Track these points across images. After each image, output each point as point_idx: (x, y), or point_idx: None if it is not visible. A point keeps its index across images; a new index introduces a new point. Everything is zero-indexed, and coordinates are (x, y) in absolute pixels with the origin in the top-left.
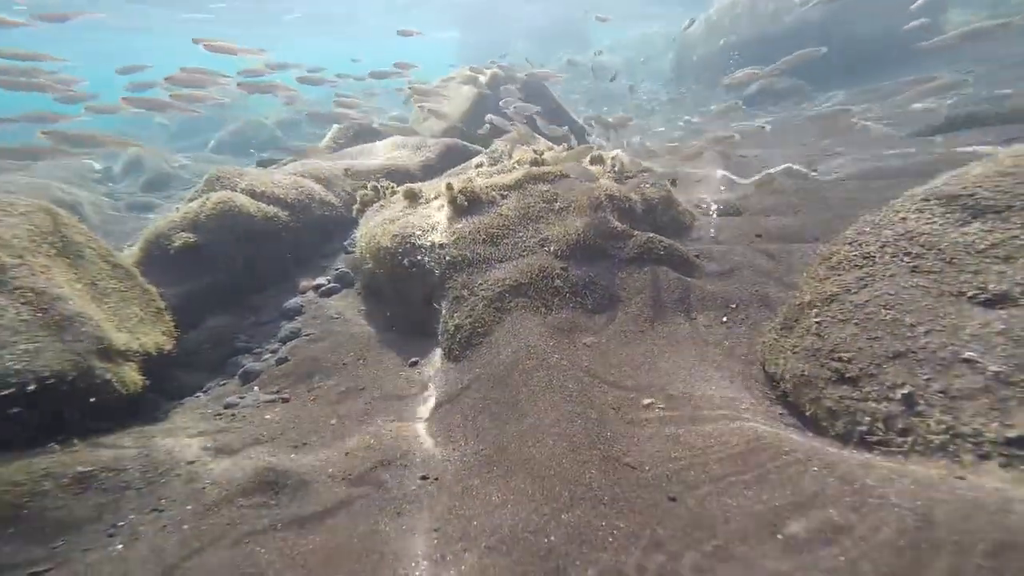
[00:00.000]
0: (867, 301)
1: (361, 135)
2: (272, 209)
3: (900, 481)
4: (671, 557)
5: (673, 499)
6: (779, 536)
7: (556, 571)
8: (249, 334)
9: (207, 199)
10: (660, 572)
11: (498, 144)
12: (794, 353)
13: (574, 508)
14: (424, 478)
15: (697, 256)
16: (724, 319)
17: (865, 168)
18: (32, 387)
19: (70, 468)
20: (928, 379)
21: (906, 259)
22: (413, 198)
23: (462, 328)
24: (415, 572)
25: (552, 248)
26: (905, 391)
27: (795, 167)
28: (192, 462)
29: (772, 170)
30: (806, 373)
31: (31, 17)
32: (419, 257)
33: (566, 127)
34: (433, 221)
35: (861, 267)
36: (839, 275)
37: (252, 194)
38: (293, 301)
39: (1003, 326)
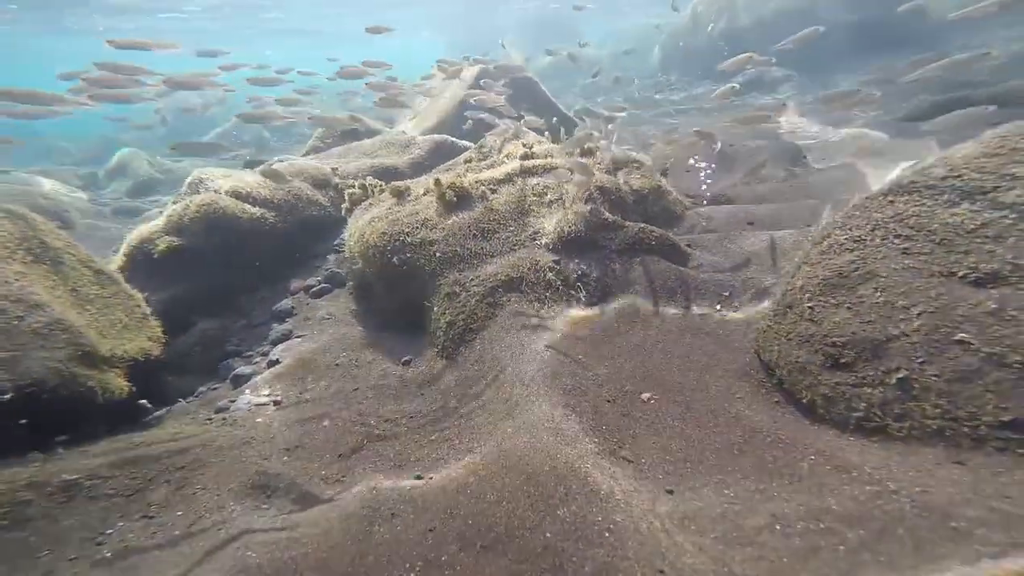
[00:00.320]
0: (859, 284)
1: (349, 134)
2: (258, 210)
3: None
4: None
5: None
6: None
7: None
8: (240, 337)
9: (191, 202)
10: None
11: (488, 138)
12: (788, 339)
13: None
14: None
15: (689, 245)
16: (718, 307)
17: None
18: (8, 396)
19: (55, 477)
20: (923, 362)
21: (896, 241)
22: (400, 195)
23: (455, 325)
24: None
25: (544, 241)
26: (900, 375)
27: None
28: (182, 467)
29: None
30: (801, 360)
31: None
32: (409, 254)
33: (555, 119)
34: (422, 218)
35: (852, 250)
36: (831, 259)
37: (237, 195)
38: (284, 303)
39: (995, 305)
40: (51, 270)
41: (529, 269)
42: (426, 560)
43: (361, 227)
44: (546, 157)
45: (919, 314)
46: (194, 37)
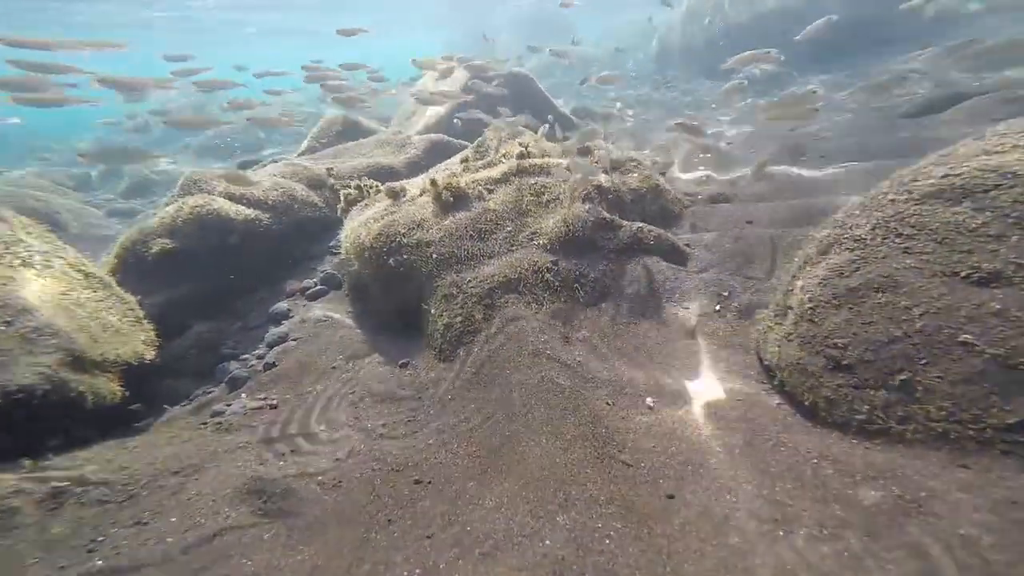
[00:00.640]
0: (860, 285)
1: (345, 134)
2: (252, 212)
3: None
4: None
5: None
6: None
7: None
8: (236, 340)
9: (184, 203)
10: None
11: (486, 135)
12: (788, 340)
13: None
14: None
15: (687, 245)
16: (717, 307)
17: None
18: None
19: (44, 484)
20: (926, 364)
21: (897, 240)
22: (396, 196)
23: (452, 327)
24: None
25: (542, 242)
26: (903, 377)
27: None
28: (177, 472)
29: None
30: (801, 361)
31: None
32: (405, 256)
33: (550, 117)
34: (418, 218)
35: (852, 250)
36: (830, 259)
37: (231, 197)
38: (280, 305)
39: (998, 306)
40: (40, 274)
41: (527, 270)
42: None
43: (357, 228)
44: (543, 156)
45: (921, 315)
46: (195, 37)
